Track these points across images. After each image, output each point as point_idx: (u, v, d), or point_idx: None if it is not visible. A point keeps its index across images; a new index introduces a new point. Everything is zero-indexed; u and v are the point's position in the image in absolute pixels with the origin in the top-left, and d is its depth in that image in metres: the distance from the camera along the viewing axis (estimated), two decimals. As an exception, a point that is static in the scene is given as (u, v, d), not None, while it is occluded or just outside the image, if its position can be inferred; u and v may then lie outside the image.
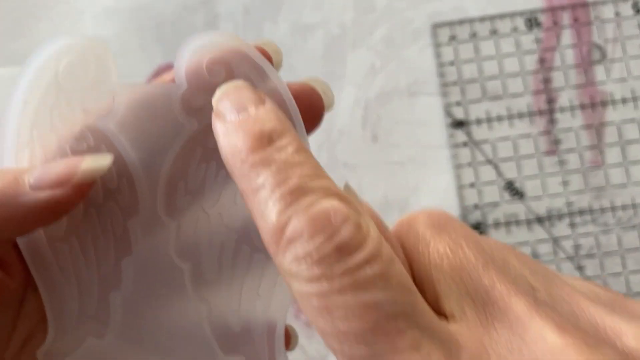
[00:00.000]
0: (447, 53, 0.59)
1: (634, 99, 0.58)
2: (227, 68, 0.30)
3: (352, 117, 0.59)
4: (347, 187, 0.29)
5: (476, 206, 0.57)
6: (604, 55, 0.58)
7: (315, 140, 0.57)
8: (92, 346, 0.31)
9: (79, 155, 0.29)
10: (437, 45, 0.59)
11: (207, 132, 0.29)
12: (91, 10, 0.61)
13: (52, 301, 0.30)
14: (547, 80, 0.58)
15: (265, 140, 0.25)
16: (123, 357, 0.31)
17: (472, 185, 0.57)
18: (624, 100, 0.58)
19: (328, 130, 0.59)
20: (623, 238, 0.56)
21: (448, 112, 0.58)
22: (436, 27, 0.59)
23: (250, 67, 0.30)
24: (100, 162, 0.29)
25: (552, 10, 0.59)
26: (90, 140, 0.30)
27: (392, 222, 0.55)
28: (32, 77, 0.30)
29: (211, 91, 0.28)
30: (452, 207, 0.57)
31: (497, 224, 0.57)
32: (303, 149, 0.26)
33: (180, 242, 0.31)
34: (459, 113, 0.58)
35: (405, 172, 0.58)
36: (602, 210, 0.56)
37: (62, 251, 0.30)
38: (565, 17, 0.59)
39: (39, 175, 0.28)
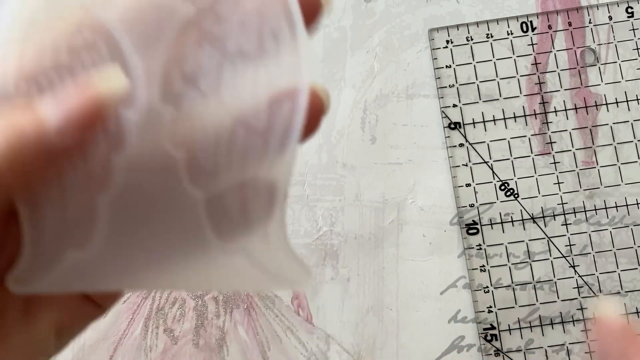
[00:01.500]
0: (444, 56, 0.60)
1: (627, 101, 0.58)
2: None
3: (352, 118, 0.59)
4: None
5: (472, 205, 0.57)
6: (597, 59, 0.59)
7: (315, 141, 0.58)
8: (72, 261, 0.28)
9: (80, 65, 0.27)
10: (433, 49, 0.60)
11: (202, 16, 0.28)
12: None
13: (29, 209, 0.28)
14: (541, 83, 0.59)
15: None
16: (106, 270, 0.29)
17: (468, 185, 0.58)
18: (617, 103, 0.58)
19: (327, 131, 0.59)
20: (616, 237, 0.57)
21: (445, 114, 0.59)
22: (433, 31, 0.60)
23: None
24: (115, 81, 0.26)
25: (547, 14, 0.60)
26: (87, 33, 0.27)
27: (390, 221, 0.56)
28: None
29: None
30: (448, 207, 0.58)
31: (492, 223, 0.57)
32: None
33: (175, 130, 0.28)
34: (455, 115, 0.59)
35: (403, 173, 0.59)
36: (596, 209, 0.57)
37: None
38: (560, 21, 0.60)
39: (61, 116, 0.25)
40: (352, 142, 0.59)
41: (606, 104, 0.58)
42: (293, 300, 0.58)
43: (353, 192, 0.58)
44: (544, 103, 0.58)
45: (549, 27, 0.59)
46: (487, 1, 0.60)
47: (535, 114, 0.58)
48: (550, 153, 0.58)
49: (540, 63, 0.59)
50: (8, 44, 0.27)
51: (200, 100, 0.28)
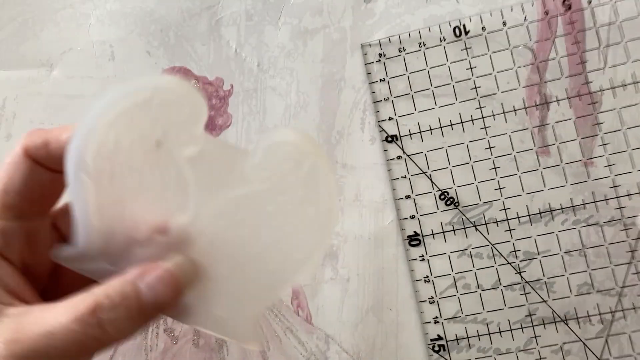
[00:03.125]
0: (378, 70, 0.59)
1: (569, 99, 0.55)
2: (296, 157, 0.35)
3: (351, 119, 0.60)
4: None
5: (413, 217, 0.57)
6: (535, 57, 0.56)
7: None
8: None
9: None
10: (367, 64, 0.59)
11: (260, 194, 0.35)
12: (96, 14, 0.63)
13: (78, 218, 0.34)
14: (477, 87, 0.57)
15: None
16: None
17: (407, 197, 0.57)
18: (558, 102, 0.55)
19: (327, 131, 0.60)
20: (561, 240, 0.55)
21: (381, 128, 0.58)
22: (365, 46, 0.59)
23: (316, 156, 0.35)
24: (191, 275, 0.36)
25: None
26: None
27: (390, 221, 0.56)
28: (130, 91, 0.33)
29: (275, 166, 0.34)
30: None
31: (434, 233, 0.57)
32: None
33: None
34: (391, 128, 0.58)
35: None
36: (540, 213, 0.55)
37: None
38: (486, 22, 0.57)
39: (154, 300, 0.34)
40: (352, 142, 0.59)
41: (545, 103, 0.56)
42: (293, 301, 0.59)
43: (353, 192, 0.59)
44: (480, 108, 0.56)
45: (484, 29, 0.57)
46: (487, 0, 0.58)
47: (472, 120, 0.57)
48: (489, 159, 0.56)
49: (475, 67, 0.57)
50: (89, 135, 0.32)
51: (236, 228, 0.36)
